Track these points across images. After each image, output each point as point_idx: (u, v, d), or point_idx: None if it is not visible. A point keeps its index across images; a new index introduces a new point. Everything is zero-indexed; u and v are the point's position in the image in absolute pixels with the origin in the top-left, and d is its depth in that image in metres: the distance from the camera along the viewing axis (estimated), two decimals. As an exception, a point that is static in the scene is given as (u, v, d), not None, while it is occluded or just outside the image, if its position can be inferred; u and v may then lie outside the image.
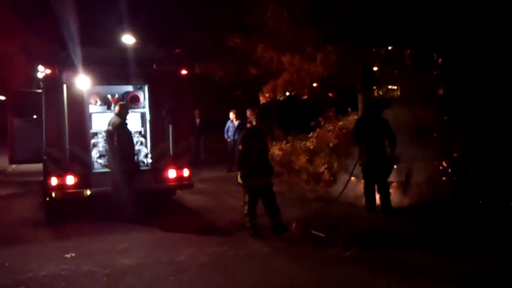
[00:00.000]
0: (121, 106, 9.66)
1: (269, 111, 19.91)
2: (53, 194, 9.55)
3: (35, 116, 12.04)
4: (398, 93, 17.22)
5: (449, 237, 7.48)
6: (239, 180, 8.41)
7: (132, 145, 9.78)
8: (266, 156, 8.68)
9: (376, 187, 9.54)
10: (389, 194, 9.49)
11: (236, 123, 15.94)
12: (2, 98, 38.88)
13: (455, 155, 9.69)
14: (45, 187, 9.83)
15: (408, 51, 11.75)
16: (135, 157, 10.00)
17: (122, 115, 9.61)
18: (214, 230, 9.08)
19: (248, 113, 14.45)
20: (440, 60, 11.56)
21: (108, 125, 9.62)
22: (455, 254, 6.65)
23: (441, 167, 9.74)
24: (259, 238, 8.12)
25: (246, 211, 8.45)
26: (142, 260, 7.18)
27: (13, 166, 17.12)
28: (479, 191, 8.71)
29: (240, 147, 8.39)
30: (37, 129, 10.80)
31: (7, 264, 7.16)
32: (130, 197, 9.40)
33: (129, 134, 9.70)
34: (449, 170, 9.60)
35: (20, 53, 15.55)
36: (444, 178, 9.60)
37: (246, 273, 6.54)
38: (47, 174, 9.67)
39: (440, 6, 10.06)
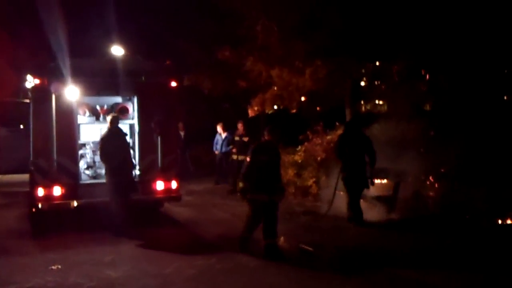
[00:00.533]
0: (111, 118, 9.59)
1: (257, 124, 19.98)
2: (40, 205, 9.45)
3: (21, 126, 11.97)
4: (385, 108, 17.34)
5: (438, 252, 7.50)
6: (240, 192, 8.24)
7: (123, 158, 9.55)
8: (276, 173, 8.23)
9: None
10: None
11: (223, 135, 15.95)
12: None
13: (442, 170, 9.77)
14: (32, 198, 9.74)
15: (396, 67, 11.86)
16: (129, 171, 9.79)
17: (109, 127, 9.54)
18: (201, 243, 9.04)
19: (239, 126, 14.51)
20: (427, 76, 11.68)
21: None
22: (444, 269, 6.68)
23: (428, 182, 9.82)
24: (246, 252, 7.97)
25: (245, 223, 8.22)
26: (129, 273, 7.11)
27: (-1, 176, 16.97)
28: (466, 206, 8.78)
29: (248, 159, 8.05)
30: (23, 139, 10.75)
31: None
32: (119, 210, 9.29)
33: (117, 146, 9.55)
34: (436, 185, 9.68)
35: (7, 63, 15.43)
36: (431, 193, 9.67)
37: (234, 286, 6.52)
38: (33, 185, 9.58)
39: (429, 23, 10.18)
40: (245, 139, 14.46)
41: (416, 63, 10.96)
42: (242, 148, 14.37)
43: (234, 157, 14.46)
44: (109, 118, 9.62)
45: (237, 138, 14.47)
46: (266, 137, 8.26)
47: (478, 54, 10.61)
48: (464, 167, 9.43)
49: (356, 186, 9.74)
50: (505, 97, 12.42)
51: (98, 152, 9.62)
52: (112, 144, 9.37)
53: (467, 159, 9.55)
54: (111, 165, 9.34)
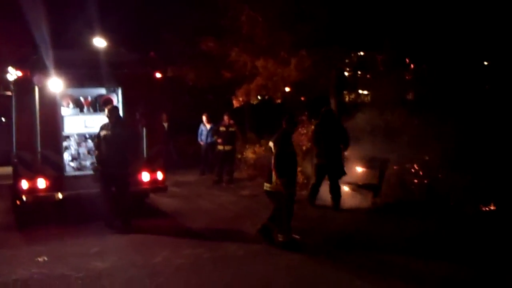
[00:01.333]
0: (110, 109, 9.31)
1: (241, 114, 19.98)
2: (24, 198, 9.35)
3: (3, 119, 11.83)
4: (369, 97, 17.46)
5: (422, 237, 7.61)
6: (282, 187, 7.59)
7: (117, 150, 9.19)
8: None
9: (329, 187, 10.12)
10: (340, 194, 10.08)
11: (208, 126, 15.94)
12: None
13: (427, 158, 9.87)
14: (16, 191, 9.64)
15: (380, 56, 11.93)
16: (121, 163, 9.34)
17: (109, 119, 9.28)
18: (188, 233, 9.04)
19: (225, 118, 14.49)
20: (412, 65, 11.77)
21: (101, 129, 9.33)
22: (428, 254, 6.78)
23: (413, 170, 9.92)
24: (299, 251, 7.55)
25: (282, 222, 7.72)
26: (116, 263, 7.10)
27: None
28: (450, 193, 8.89)
29: (277, 152, 7.68)
30: (4, 132, 10.62)
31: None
32: (107, 202, 9.22)
33: (108, 138, 9.19)
34: (421, 173, 9.79)
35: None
36: (415, 181, 9.78)
37: (222, 275, 6.54)
38: (17, 177, 9.48)
39: (413, 12, 10.26)
40: (232, 129, 14.50)
41: (401, 52, 11.03)
42: (228, 139, 14.41)
43: (220, 147, 14.47)
44: (107, 110, 9.31)
45: (222, 129, 14.48)
46: (283, 126, 8.06)
47: (460, 44, 10.71)
48: (448, 155, 9.53)
49: (331, 173, 10.11)
50: (486, 87, 12.58)
51: (97, 145, 9.32)
52: (116, 136, 9.12)
53: (451, 147, 9.66)
54: (111, 159, 9.09)
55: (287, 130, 8.05)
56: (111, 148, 9.06)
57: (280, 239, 7.72)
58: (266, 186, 7.91)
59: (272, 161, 7.65)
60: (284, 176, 7.58)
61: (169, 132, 17.90)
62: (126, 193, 9.27)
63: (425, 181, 9.61)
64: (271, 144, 7.86)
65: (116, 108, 9.47)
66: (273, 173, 7.63)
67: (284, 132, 7.99)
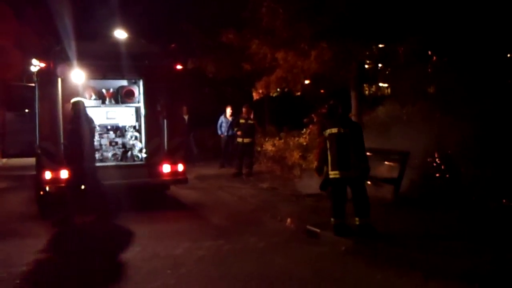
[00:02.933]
0: (74, 103, 9.34)
1: (261, 107, 19.97)
2: (47, 188, 9.52)
3: (27, 110, 12.00)
4: (389, 90, 17.31)
5: (444, 232, 7.54)
6: (365, 173, 7.92)
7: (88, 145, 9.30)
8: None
9: None
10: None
11: (230, 119, 16.01)
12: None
13: (449, 151, 9.77)
14: (39, 181, 9.80)
15: (402, 48, 11.80)
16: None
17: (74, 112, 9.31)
18: (209, 225, 9.11)
19: (244, 110, 14.53)
20: (434, 57, 11.62)
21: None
22: (450, 249, 6.70)
23: (434, 164, 9.83)
24: (344, 236, 7.61)
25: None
26: (138, 254, 7.18)
27: (4, 160, 17.05)
28: (472, 187, 8.79)
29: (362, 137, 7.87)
30: (29, 123, 10.77)
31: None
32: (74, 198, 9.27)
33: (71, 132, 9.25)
34: (443, 167, 9.69)
35: (13, 46, 15.41)
36: (437, 175, 9.69)
37: (243, 267, 6.56)
38: (41, 168, 9.63)
39: (436, 3, 10.11)
40: (251, 121, 14.53)
41: (423, 44, 10.89)
42: (247, 131, 14.42)
43: (239, 140, 14.51)
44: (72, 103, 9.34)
45: (242, 121, 14.52)
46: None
47: (484, 36, 10.54)
48: (470, 148, 9.42)
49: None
50: (509, 81, 12.36)
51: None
52: (79, 130, 9.15)
53: (474, 140, 9.54)
54: (75, 152, 9.15)
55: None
56: (77, 142, 9.09)
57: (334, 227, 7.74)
58: (350, 174, 7.73)
59: (360, 148, 7.71)
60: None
61: (189, 124, 17.98)
62: (93, 186, 9.35)
63: (447, 175, 9.52)
64: (342, 131, 7.78)
65: (80, 102, 9.40)
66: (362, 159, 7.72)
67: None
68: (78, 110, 9.23)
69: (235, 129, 14.75)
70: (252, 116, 14.76)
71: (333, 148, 7.77)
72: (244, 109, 14.63)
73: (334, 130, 7.82)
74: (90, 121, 9.43)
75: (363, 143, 7.80)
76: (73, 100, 9.32)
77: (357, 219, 7.65)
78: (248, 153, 14.57)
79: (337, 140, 7.77)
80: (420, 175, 9.86)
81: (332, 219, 7.78)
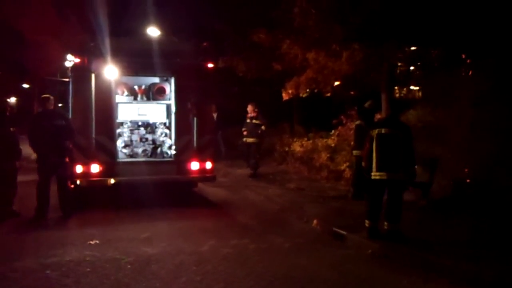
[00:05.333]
0: (43, 99, 9.44)
1: (290, 107, 19.94)
2: (78, 182, 9.70)
3: (60, 105, 12.23)
4: (420, 94, 17.09)
5: (473, 238, 7.41)
6: (412, 176, 7.85)
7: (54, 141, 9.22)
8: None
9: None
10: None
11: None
12: (27, 86, 39.63)
13: (479, 157, 9.59)
14: (70, 175, 9.98)
15: (435, 51, 11.64)
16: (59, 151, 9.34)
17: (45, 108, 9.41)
18: (235, 223, 9.16)
19: (250, 108, 14.38)
20: (468, 61, 11.42)
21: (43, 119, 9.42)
22: (479, 256, 6.57)
23: (466, 169, 9.67)
24: (376, 239, 7.55)
25: (399, 210, 7.64)
26: (165, 249, 7.27)
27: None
28: (503, 193, 8.62)
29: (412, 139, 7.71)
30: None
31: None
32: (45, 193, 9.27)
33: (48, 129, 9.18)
34: (473, 172, 9.53)
35: (50, 41, 15.73)
36: (468, 181, 9.54)
37: (268, 266, 6.58)
38: (72, 162, 9.81)
39: (470, 5, 9.92)
40: (256, 121, 14.34)
41: (457, 48, 10.71)
42: (252, 131, 14.28)
43: (244, 140, 14.37)
44: (42, 99, 9.45)
45: (247, 121, 14.39)
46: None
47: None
48: (502, 154, 9.23)
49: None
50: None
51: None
52: (44, 126, 9.17)
53: (506, 147, 9.35)
54: (40, 148, 9.23)
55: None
56: (49, 137, 9.12)
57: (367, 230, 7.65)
58: (397, 176, 7.57)
59: (409, 150, 7.56)
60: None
61: (218, 122, 18.07)
62: (66, 182, 9.44)
63: (478, 181, 9.35)
64: (391, 131, 7.66)
65: (50, 97, 9.45)
66: (411, 162, 7.60)
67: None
68: (45, 106, 9.37)
69: (243, 129, 14.59)
70: (256, 115, 14.46)
71: (382, 148, 7.60)
72: (249, 108, 14.47)
73: (384, 130, 7.67)
74: (59, 117, 9.47)
75: (412, 146, 7.60)
76: (42, 96, 9.49)
77: (386, 223, 7.53)
78: (251, 153, 14.46)
79: (387, 140, 7.61)
80: (450, 180, 9.71)
81: (366, 221, 7.68)
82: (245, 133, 14.41)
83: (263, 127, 14.50)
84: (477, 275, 6.05)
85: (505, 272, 6.04)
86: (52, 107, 9.52)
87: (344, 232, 8.04)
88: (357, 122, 10.75)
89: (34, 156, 9.55)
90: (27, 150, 9.70)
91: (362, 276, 6.33)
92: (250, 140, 14.34)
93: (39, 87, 12.86)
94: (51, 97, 9.54)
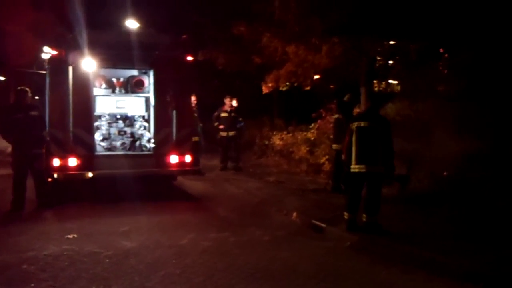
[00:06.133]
0: (17, 92, 9.43)
1: (270, 101, 19.96)
2: (55, 175, 9.58)
3: (36, 97, 12.04)
4: (398, 87, 17.25)
5: (449, 230, 7.50)
6: (392, 169, 7.85)
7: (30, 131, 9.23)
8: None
9: None
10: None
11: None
12: (2, 78, 38.89)
13: (457, 150, 9.71)
14: (48, 168, 9.86)
15: (414, 45, 11.75)
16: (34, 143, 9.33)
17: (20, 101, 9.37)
18: (214, 216, 9.15)
19: (227, 101, 14.29)
20: (446, 55, 11.55)
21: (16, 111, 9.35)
22: (456, 247, 6.66)
23: (442, 162, 9.78)
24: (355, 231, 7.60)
25: (378, 203, 7.70)
26: (144, 243, 7.22)
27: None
28: (480, 186, 8.74)
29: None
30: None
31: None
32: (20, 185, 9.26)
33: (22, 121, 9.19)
34: (450, 165, 9.64)
35: (25, 32, 15.46)
36: (445, 173, 9.65)
37: (248, 259, 6.57)
38: (49, 155, 9.68)
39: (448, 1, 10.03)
40: (234, 114, 14.29)
41: (435, 42, 10.82)
42: (231, 124, 14.23)
43: (223, 134, 14.25)
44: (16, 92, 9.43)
45: (224, 114, 14.29)
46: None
47: (498, 35, 10.43)
48: (479, 147, 9.36)
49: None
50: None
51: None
52: (17, 118, 9.13)
53: (483, 139, 9.47)
54: (15, 140, 9.21)
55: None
56: (25, 130, 9.09)
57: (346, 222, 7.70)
58: (376, 169, 7.60)
59: (388, 144, 7.59)
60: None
61: (197, 116, 17.94)
62: (42, 174, 9.40)
63: (455, 174, 9.47)
64: (370, 124, 7.68)
65: (25, 90, 9.41)
66: (389, 155, 7.63)
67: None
68: (20, 99, 9.32)
69: (216, 123, 14.44)
70: (235, 108, 14.39)
71: (361, 141, 7.64)
72: (227, 101, 14.37)
73: (364, 124, 7.70)
74: (33, 108, 9.43)
75: (391, 139, 7.65)
76: (18, 88, 9.42)
77: (365, 216, 7.58)
78: (234, 147, 14.39)
79: (366, 133, 7.64)
80: (427, 173, 9.81)
81: (345, 214, 7.73)
82: (221, 127, 14.26)
83: (240, 120, 14.46)
84: (454, 266, 6.13)
85: (481, 262, 6.13)
86: (27, 99, 9.38)
87: (323, 225, 8.08)
88: (336, 116, 10.79)
89: (10, 149, 9.41)
90: (2, 143, 9.54)
91: (341, 268, 6.36)
92: (231, 133, 14.26)
93: (15, 79, 12.58)
94: (27, 89, 9.42)
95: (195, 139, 12.35)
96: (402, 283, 5.86)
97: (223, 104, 14.44)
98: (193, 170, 10.78)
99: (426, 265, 6.29)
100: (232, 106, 14.31)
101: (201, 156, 15.39)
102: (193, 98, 13.35)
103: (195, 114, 13.09)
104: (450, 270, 6.08)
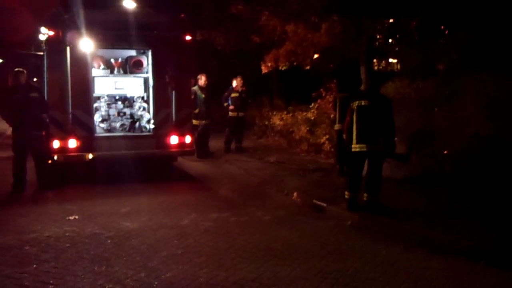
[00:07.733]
0: (15, 73, 9.40)
1: (269, 80, 19.85)
2: (55, 157, 9.57)
3: (35, 79, 11.99)
4: (398, 66, 17.15)
5: (451, 209, 7.52)
6: (393, 147, 7.74)
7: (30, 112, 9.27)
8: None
9: None
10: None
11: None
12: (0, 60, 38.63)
13: (457, 128, 9.68)
14: (47, 150, 9.83)
15: (414, 23, 11.62)
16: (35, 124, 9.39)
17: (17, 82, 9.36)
18: (215, 197, 9.16)
19: (239, 82, 14.13)
20: (446, 32, 11.43)
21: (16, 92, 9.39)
22: (456, 225, 6.68)
23: (443, 141, 9.75)
24: (356, 211, 7.59)
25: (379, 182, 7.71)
26: (145, 224, 7.24)
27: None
28: (480, 165, 8.73)
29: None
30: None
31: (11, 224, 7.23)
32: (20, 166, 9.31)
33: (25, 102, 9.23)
34: (450, 144, 9.62)
35: (20, 10, 15.28)
36: (445, 152, 9.64)
37: (249, 239, 6.60)
38: (49, 137, 9.65)
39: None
40: (245, 95, 14.21)
41: (435, 19, 10.70)
42: (242, 105, 14.15)
43: (233, 114, 14.08)
44: (14, 73, 9.39)
45: (235, 95, 14.14)
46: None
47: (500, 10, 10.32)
48: (479, 127, 9.32)
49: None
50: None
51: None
52: (17, 99, 9.15)
53: (482, 119, 9.43)
54: (14, 121, 9.22)
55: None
56: (23, 111, 9.07)
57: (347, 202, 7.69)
58: (377, 148, 7.57)
59: (389, 122, 7.55)
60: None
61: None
62: (43, 156, 9.42)
63: (455, 153, 9.45)
64: (371, 103, 7.61)
65: (22, 71, 9.37)
66: (390, 134, 7.58)
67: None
68: (17, 80, 9.29)
69: (226, 104, 14.29)
70: (244, 89, 14.30)
71: (361, 120, 7.59)
72: (237, 81, 14.22)
73: (364, 102, 7.64)
74: (33, 90, 9.44)
75: (392, 118, 7.59)
76: (15, 69, 9.36)
77: (366, 195, 7.59)
78: (241, 128, 14.36)
79: (367, 112, 7.58)
80: (427, 151, 9.79)
81: (346, 193, 7.73)
82: (231, 107, 14.12)
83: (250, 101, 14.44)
84: (455, 244, 6.15)
85: (481, 240, 6.16)
86: (25, 81, 9.34)
87: (324, 204, 8.10)
88: (341, 95, 10.70)
89: (10, 131, 9.39)
90: (2, 125, 9.52)
91: (343, 247, 6.39)
92: (241, 114, 14.16)
93: (13, 61, 12.49)
94: (24, 71, 9.36)
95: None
96: (403, 260, 5.88)
97: (231, 84, 14.30)
98: (194, 151, 10.75)
99: (427, 243, 6.32)
100: (243, 86, 14.18)
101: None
102: (203, 78, 13.30)
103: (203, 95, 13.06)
104: (451, 248, 6.11)
